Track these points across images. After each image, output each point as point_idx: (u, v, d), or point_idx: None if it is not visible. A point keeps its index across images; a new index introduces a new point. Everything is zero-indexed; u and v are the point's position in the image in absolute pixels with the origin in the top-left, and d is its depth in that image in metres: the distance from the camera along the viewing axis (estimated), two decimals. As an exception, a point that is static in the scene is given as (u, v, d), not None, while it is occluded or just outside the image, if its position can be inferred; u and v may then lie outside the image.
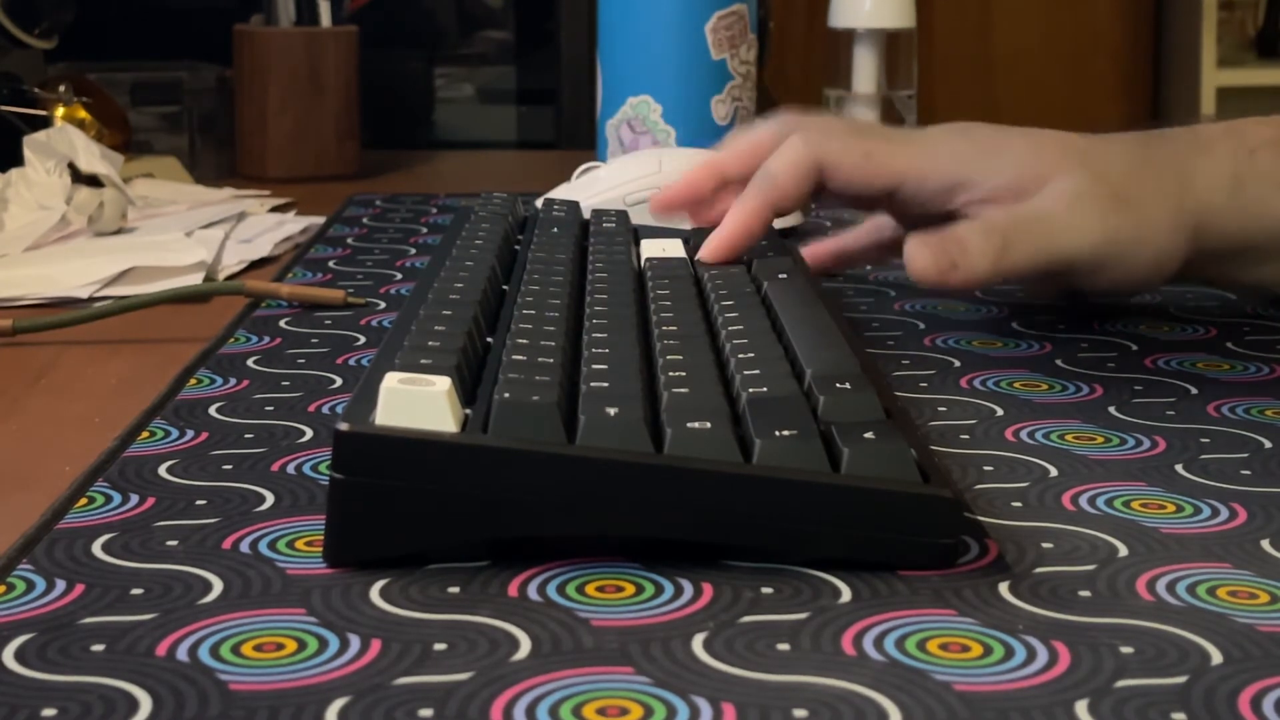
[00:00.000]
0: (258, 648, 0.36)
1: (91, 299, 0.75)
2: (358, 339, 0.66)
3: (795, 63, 2.16)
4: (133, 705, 0.33)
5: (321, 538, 0.41)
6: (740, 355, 0.47)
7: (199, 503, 0.46)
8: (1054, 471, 0.49)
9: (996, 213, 0.60)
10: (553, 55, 1.70)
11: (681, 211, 0.68)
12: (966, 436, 0.52)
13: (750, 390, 0.44)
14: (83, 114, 1.07)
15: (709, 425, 0.41)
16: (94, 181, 0.94)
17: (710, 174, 0.66)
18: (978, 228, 0.59)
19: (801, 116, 0.66)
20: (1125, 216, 0.60)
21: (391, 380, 0.40)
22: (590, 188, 0.81)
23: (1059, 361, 0.62)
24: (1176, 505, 0.46)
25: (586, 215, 0.71)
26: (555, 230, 0.65)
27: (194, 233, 0.88)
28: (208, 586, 0.40)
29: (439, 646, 0.36)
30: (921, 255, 0.59)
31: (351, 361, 0.62)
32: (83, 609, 0.38)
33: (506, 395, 0.41)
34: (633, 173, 0.81)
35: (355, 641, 0.36)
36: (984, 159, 0.61)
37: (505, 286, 0.58)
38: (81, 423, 0.55)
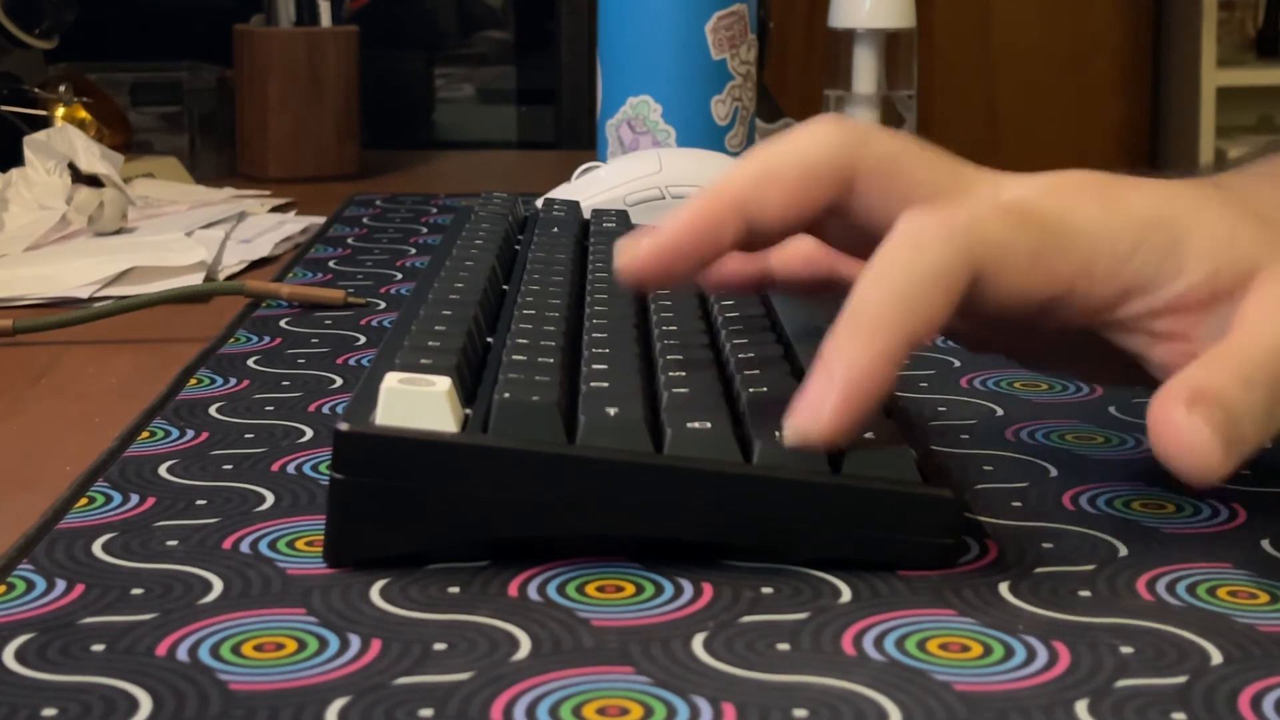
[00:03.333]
0: (258, 648, 0.36)
1: (91, 299, 0.75)
2: (358, 339, 0.66)
3: (795, 63, 2.16)
4: (133, 705, 0.33)
5: (321, 538, 0.41)
6: (740, 355, 0.47)
7: (199, 503, 0.46)
8: (1054, 471, 0.49)
9: (1238, 350, 0.40)
10: (553, 55, 1.70)
11: (675, 273, 0.43)
12: (966, 436, 0.52)
13: (750, 390, 0.44)
14: (83, 114, 1.07)
15: (709, 425, 0.41)
16: (94, 181, 0.94)
17: (731, 213, 0.43)
18: (1231, 377, 0.39)
19: (867, 140, 0.44)
20: None
21: (391, 380, 0.40)
22: (590, 188, 0.81)
23: (1059, 361, 0.62)
24: (1176, 505, 0.46)
25: (586, 215, 0.71)
26: (555, 230, 0.65)
27: (194, 233, 0.88)
28: (208, 586, 0.40)
29: (439, 646, 0.36)
30: (1198, 442, 0.37)
31: (351, 361, 0.62)
32: (83, 609, 0.38)
33: (506, 395, 0.41)
34: (633, 173, 0.81)
35: (355, 641, 0.36)
36: (1165, 251, 0.41)
37: (505, 286, 0.58)
38: (82, 423, 0.55)
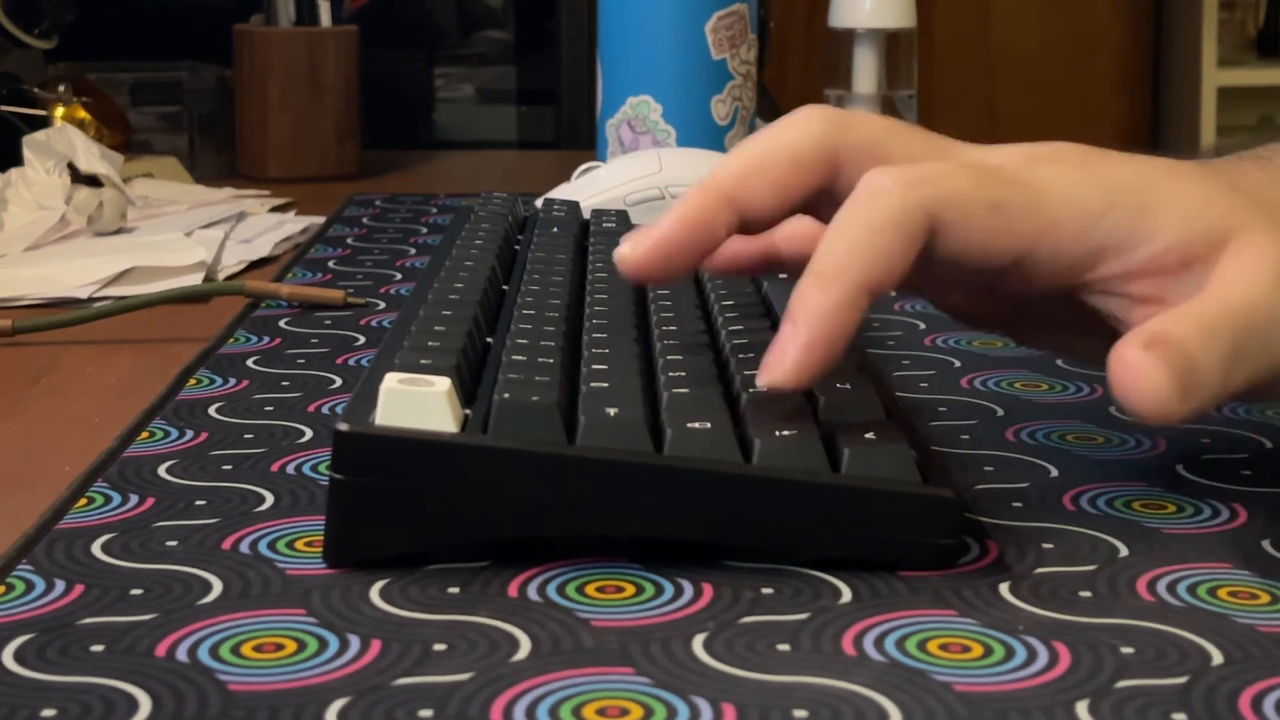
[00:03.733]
0: (257, 648, 0.36)
1: (91, 299, 0.75)
2: (358, 339, 0.66)
3: (795, 63, 2.16)
4: (132, 706, 0.33)
5: (321, 538, 0.41)
6: (740, 355, 0.47)
7: (199, 503, 0.46)
8: (1054, 471, 0.49)
9: (1204, 307, 0.41)
10: (553, 55, 1.69)
11: (673, 268, 0.44)
12: (966, 436, 0.52)
13: (750, 390, 0.44)
14: (82, 114, 1.07)
15: (709, 425, 0.41)
16: (94, 181, 0.94)
17: (722, 206, 0.44)
18: (1196, 327, 0.40)
19: (849, 124, 0.45)
20: None
21: (391, 380, 0.40)
22: (590, 188, 0.81)
23: (1059, 361, 0.62)
24: (1177, 505, 0.46)
25: (586, 215, 0.71)
26: (555, 230, 0.65)
27: (194, 233, 0.88)
28: (207, 587, 0.40)
29: (439, 647, 0.36)
30: (1153, 380, 0.39)
31: (351, 361, 0.62)
32: (82, 609, 0.38)
33: (506, 395, 0.41)
34: (633, 173, 0.81)
35: (355, 642, 0.36)
36: (1138, 213, 0.42)
37: (505, 286, 0.58)
38: (81, 423, 0.55)
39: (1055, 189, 0.43)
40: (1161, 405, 0.39)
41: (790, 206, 0.45)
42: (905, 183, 0.41)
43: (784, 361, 0.41)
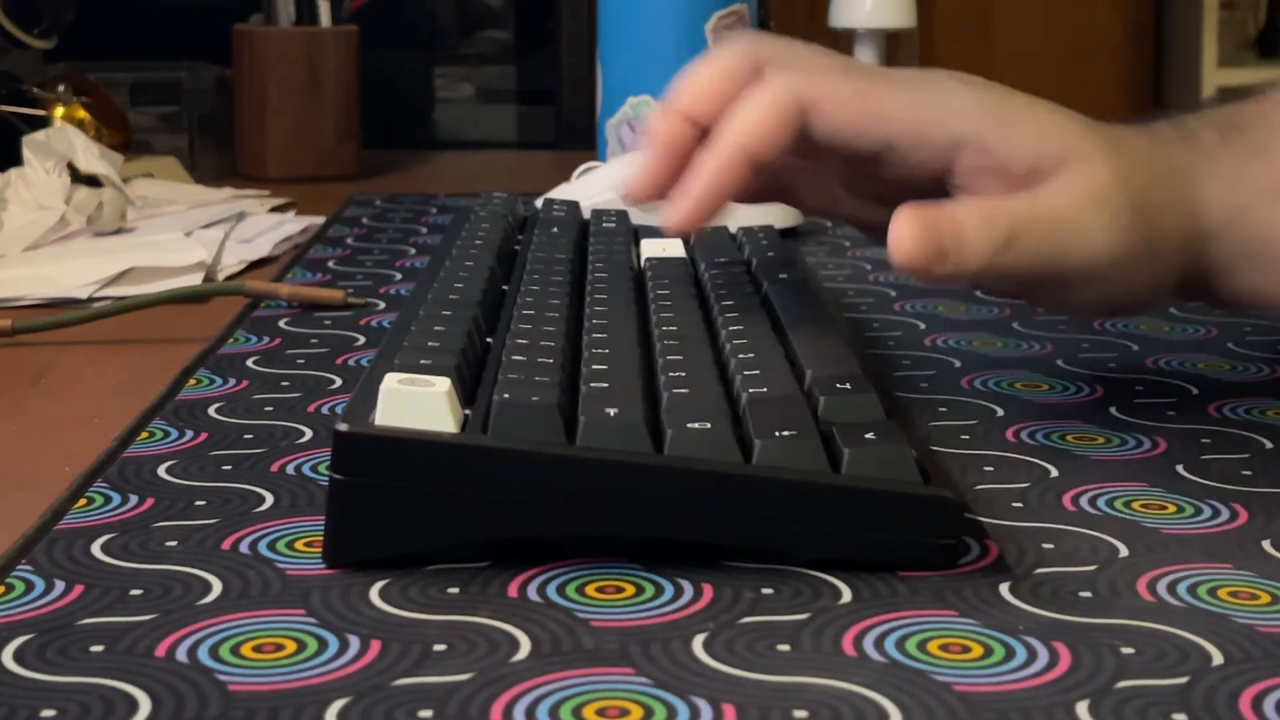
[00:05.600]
0: (257, 648, 0.36)
1: (91, 299, 0.75)
2: (357, 339, 0.66)
3: (795, 63, 2.16)
4: (132, 706, 0.33)
5: (321, 538, 0.41)
6: (740, 355, 0.47)
7: (198, 503, 0.46)
8: (1054, 471, 0.49)
9: (1004, 200, 0.49)
10: (553, 55, 1.69)
11: (667, 187, 0.51)
12: (966, 436, 0.52)
13: (750, 390, 0.44)
14: (82, 114, 1.07)
15: (709, 425, 0.41)
16: (93, 181, 0.94)
17: (682, 123, 0.51)
18: (979, 211, 0.48)
19: (772, 44, 0.53)
20: (1141, 230, 0.50)
21: (391, 381, 0.40)
22: (590, 188, 0.81)
23: (1059, 361, 0.62)
24: (1177, 505, 0.46)
25: (586, 215, 0.71)
26: (555, 230, 0.65)
27: (193, 233, 0.88)
28: (207, 587, 0.40)
29: (439, 647, 0.36)
30: (910, 235, 0.47)
31: (351, 361, 0.62)
32: (82, 609, 0.38)
33: (506, 395, 0.41)
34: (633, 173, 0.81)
35: (355, 642, 0.36)
36: (1002, 123, 0.50)
37: (505, 286, 0.58)
38: (81, 423, 0.55)
39: (926, 87, 0.51)
40: (913, 259, 0.47)
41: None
42: (781, 80, 0.50)
43: (678, 209, 0.50)
